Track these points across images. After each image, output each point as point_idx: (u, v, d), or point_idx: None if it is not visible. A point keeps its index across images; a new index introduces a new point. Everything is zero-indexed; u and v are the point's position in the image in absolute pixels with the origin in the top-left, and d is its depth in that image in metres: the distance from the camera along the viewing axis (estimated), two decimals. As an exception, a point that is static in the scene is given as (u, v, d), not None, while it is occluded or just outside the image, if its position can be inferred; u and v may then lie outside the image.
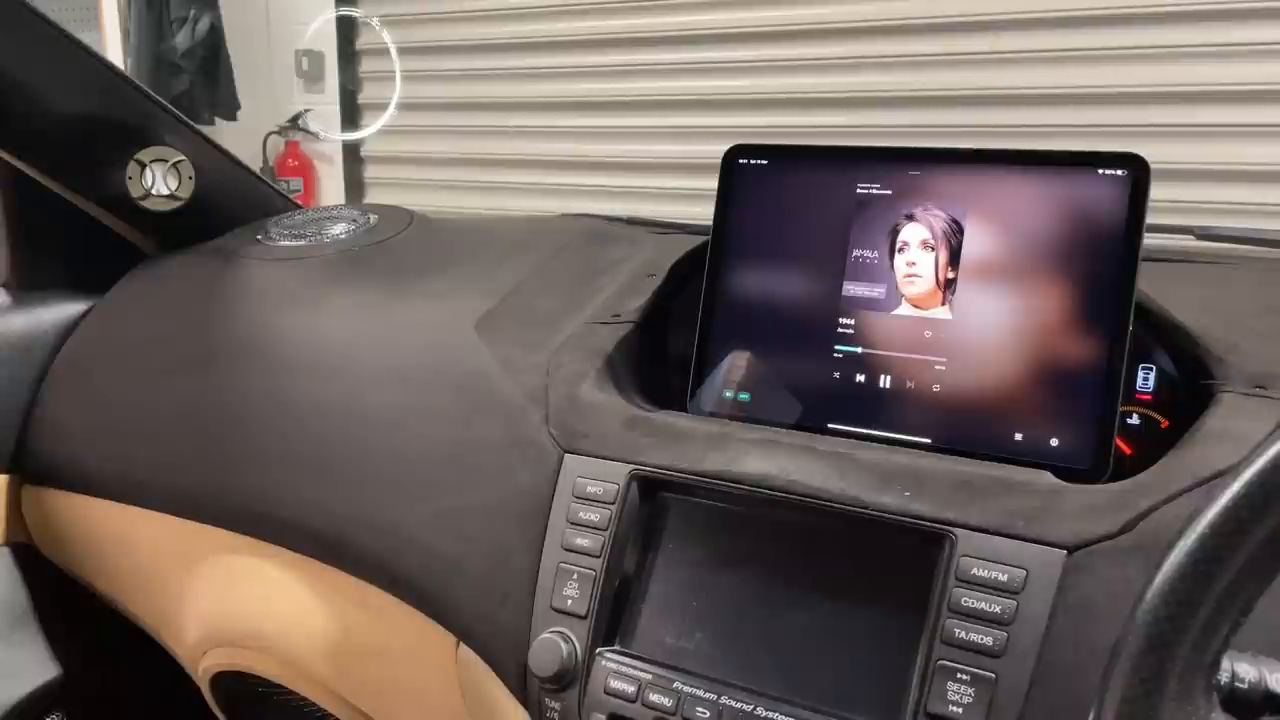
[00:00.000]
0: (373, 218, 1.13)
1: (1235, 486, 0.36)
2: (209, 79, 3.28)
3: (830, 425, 0.73)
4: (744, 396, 0.77)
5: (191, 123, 1.12)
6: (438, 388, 0.83)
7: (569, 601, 0.68)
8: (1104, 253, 0.67)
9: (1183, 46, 1.42)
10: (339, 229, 1.10)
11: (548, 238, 1.05)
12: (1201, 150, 1.36)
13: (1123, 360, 0.65)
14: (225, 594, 0.94)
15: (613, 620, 0.68)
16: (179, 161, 1.10)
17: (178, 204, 1.11)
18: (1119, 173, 0.66)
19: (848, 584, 0.63)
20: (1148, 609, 0.37)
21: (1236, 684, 0.42)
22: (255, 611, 0.93)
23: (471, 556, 0.74)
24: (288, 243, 1.08)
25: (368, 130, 2.95)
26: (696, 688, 0.63)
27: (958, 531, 0.60)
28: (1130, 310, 0.66)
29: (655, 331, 0.87)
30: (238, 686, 1.02)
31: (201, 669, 1.01)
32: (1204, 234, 1.02)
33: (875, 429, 0.72)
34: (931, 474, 0.63)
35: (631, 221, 1.13)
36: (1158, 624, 0.37)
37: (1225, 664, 0.42)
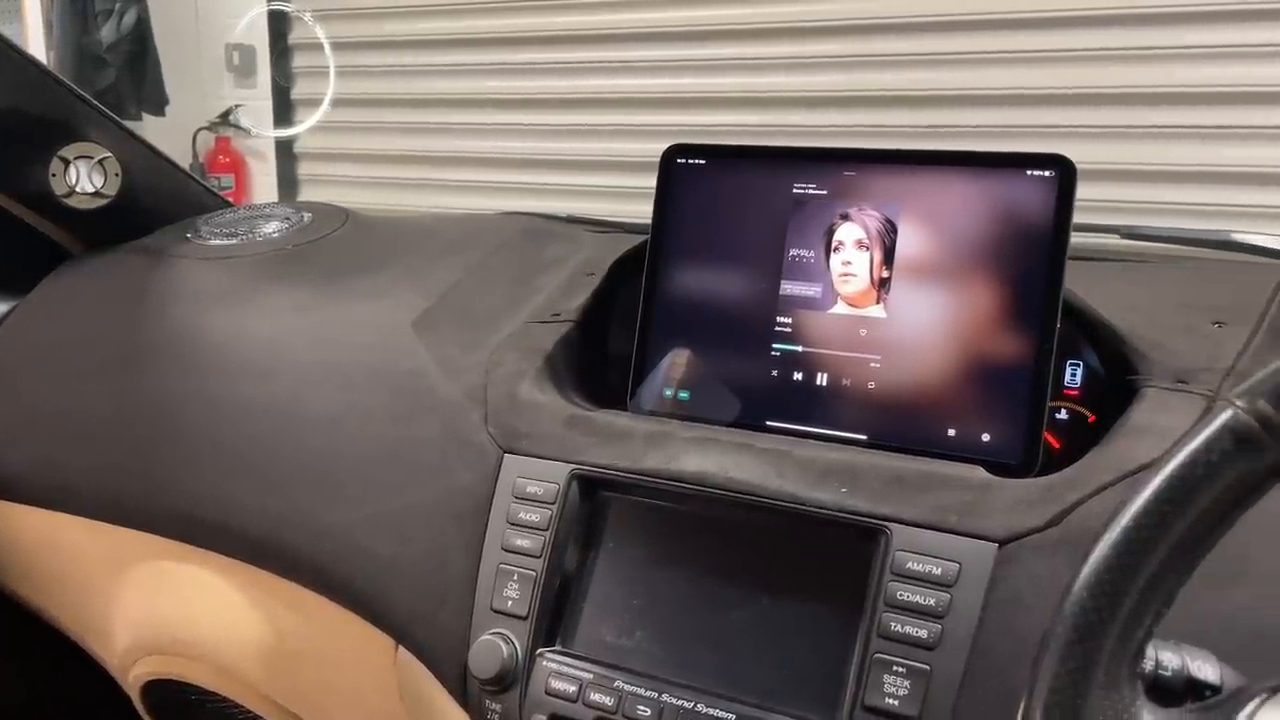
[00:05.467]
0: (307, 216, 1.11)
1: (1156, 481, 0.37)
2: (136, 73, 3.19)
3: (769, 423, 0.74)
4: (684, 395, 0.77)
5: (117, 118, 1.09)
6: (374, 387, 0.82)
7: (509, 602, 0.68)
8: (1032, 252, 0.68)
9: (1110, 50, 1.46)
10: (272, 227, 1.08)
11: (486, 236, 1.04)
12: (1128, 151, 1.40)
13: (1051, 357, 0.67)
14: (155, 600, 0.92)
15: (554, 620, 0.68)
16: (104, 158, 1.07)
17: (103, 202, 1.08)
18: (1046, 173, 0.68)
19: (786, 580, 0.64)
20: (1074, 600, 0.38)
21: (1160, 672, 0.43)
22: (186, 618, 0.91)
23: (410, 558, 0.74)
24: (219, 241, 1.06)
25: (299, 127, 2.90)
26: (638, 686, 0.63)
27: (892, 526, 0.61)
28: (1058, 308, 0.67)
29: (595, 330, 0.87)
30: (169, 695, 0.99)
31: (131, 677, 0.99)
32: (1129, 233, 1.05)
33: (813, 426, 0.73)
34: (867, 470, 0.64)
35: (571, 220, 1.13)
36: (1084, 615, 0.38)
37: (1150, 652, 0.43)
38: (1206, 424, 0.37)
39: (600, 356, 0.87)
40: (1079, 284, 0.76)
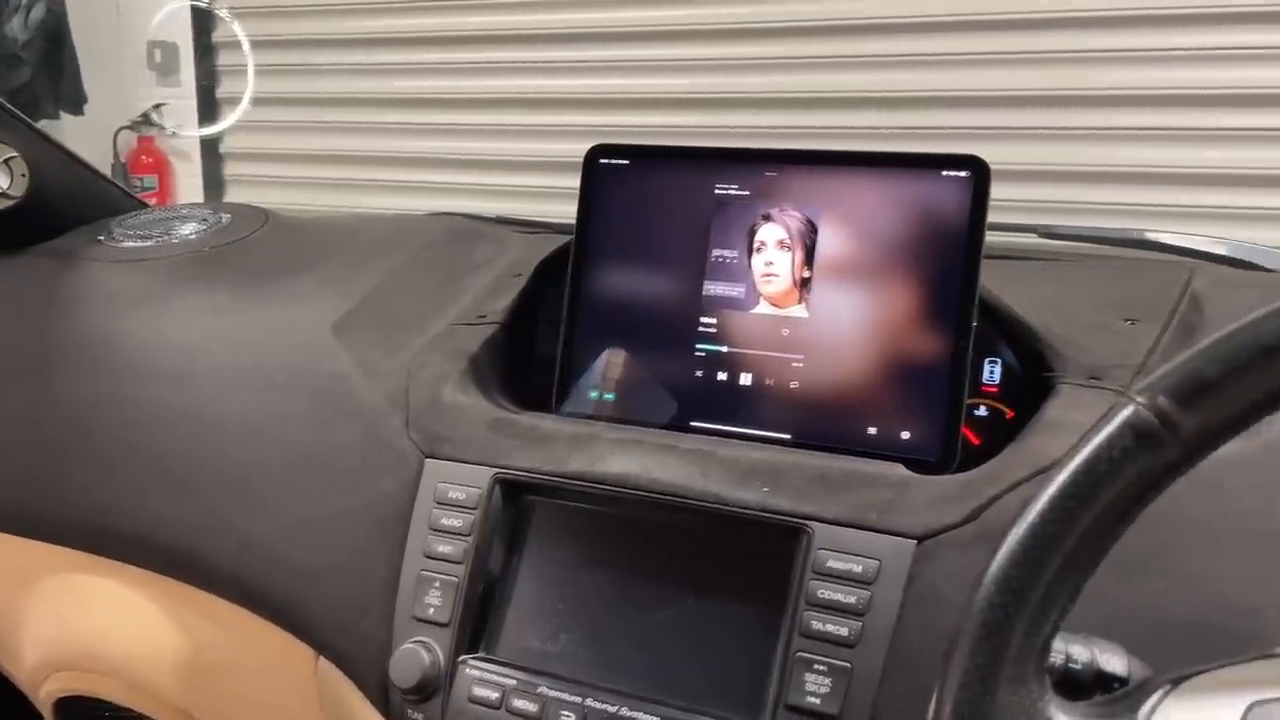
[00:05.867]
0: (225, 217, 1.08)
1: (1061, 478, 0.38)
2: (53, 71, 3.09)
3: (694, 424, 0.74)
4: (609, 397, 0.77)
5: (25, 117, 1.05)
6: (293, 392, 0.80)
7: (431, 610, 0.67)
8: (949, 251, 0.69)
9: (1029, 53, 1.49)
10: (189, 229, 1.06)
11: (412, 237, 1.03)
12: (1049, 153, 1.43)
13: (967, 355, 0.68)
14: (66, 615, 0.89)
15: (477, 627, 0.67)
16: (10, 158, 1.03)
17: (9, 203, 1.04)
18: (961, 174, 0.69)
19: (710, 580, 0.64)
20: (982, 597, 0.38)
21: (1070, 665, 0.44)
22: (99, 632, 0.88)
23: (330, 567, 0.72)
24: (133, 244, 1.03)
25: (216, 127, 2.83)
26: (561, 691, 0.63)
27: (814, 525, 0.61)
28: (974, 307, 0.68)
29: (522, 332, 0.86)
30: (83, 712, 0.96)
31: (43, 694, 0.95)
32: (1048, 233, 1.08)
33: (737, 426, 0.73)
34: (789, 469, 0.65)
35: (500, 221, 1.12)
36: (991, 611, 0.38)
37: (1059, 646, 0.44)
38: (1109, 421, 0.38)
39: (527, 358, 0.86)
40: (998, 283, 0.77)
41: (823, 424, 0.71)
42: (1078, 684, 0.43)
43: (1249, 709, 0.36)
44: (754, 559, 0.63)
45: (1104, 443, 0.37)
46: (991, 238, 1.08)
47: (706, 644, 0.62)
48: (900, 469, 0.65)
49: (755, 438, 0.72)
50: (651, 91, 2.01)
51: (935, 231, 0.69)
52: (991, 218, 1.10)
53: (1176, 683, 0.38)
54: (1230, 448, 0.60)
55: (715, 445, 0.68)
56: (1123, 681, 0.43)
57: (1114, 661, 0.44)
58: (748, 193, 0.74)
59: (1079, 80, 1.44)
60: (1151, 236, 1.03)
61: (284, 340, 0.85)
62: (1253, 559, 0.56)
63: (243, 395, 0.82)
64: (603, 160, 0.79)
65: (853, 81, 1.68)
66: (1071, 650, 0.44)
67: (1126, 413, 0.37)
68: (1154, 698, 0.38)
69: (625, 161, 0.78)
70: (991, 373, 0.77)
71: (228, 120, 2.55)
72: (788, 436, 0.71)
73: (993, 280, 0.77)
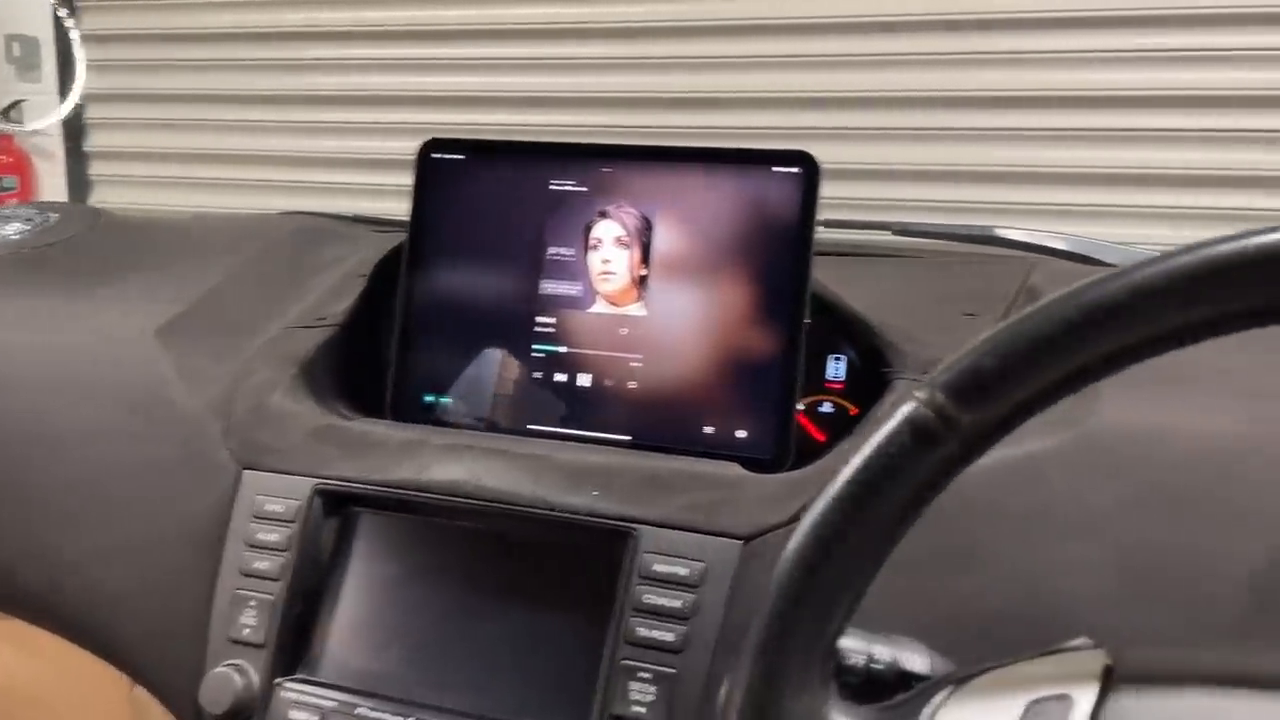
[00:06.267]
0: (53, 216, 1.02)
1: (840, 478, 0.37)
2: (-100, 64, 2.91)
3: (531, 427, 0.71)
4: (445, 401, 0.74)
5: None
6: (109, 402, 0.76)
7: (246, 630, 0.63)
8: (781, 248, 0.68)
9: (886, 56, 1.52)
10: (11, 229, 0.99)
11: (255, 237, 0.98)
12: (906, 153, 1.46)
13: (799, 352, 0.67)
14: None
15: (296, 647, 0.64)
16: None
17: None
18: (792, 170, 0.68)
19: (540, 589, 0.62)
20: (767, 602, 0.37)
21: (873, 666, 0.43)
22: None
23: (144, 589, 0.68)
24: (-52, 246, 0.96)
25: (41, 122, 2.70)
26: (384, 712, 0.60)
27: (641, 528, 0.59)
28: (805, 303, 0.67)
29: (364, 334, 0.83)
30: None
31: None
32: (902, 230, 1.09)
33: (576, 429, 0.71)
34: (622, 472, 0.63)
35: (357, 219, 1.08)
36: (774, 617, 0.37)
37: (861, 647, 0.43)
38: (889, 418, 0.37)
39: (368, 362, 0.83)
40: (851, 279, 0.77)
41: (661, 424, 0.69)
42: (881, 684, 0.43)
43: (1028, 708, 0.35)
44: (583, 565, 0.61)
45: (883, 441, 0.36)
46: (847, 235, 1.09)
47: (535, 655, 0.60)
48: (735, 468, 0.64)
49: (594, 440, 0.70)
50: (497, 91, 1.99)
51: (768, 228, 0.69)
52: (847, 215, 1.11)
53: (960, 683, 0.38)
54: (1047, 440, 0.61)
55: (550, 449, 0.66)
56: (925, 680, 0.42)
57: (916, 660, 0.43)
58: (584, 189, 0.72)
59: (936, 82, 1.47)
60: (999, 233, 1.05)
61: (103, 347, 0.80)
62: (1069, 550, 0.56)
63: (57, 406, 0.77)
64: (436, 155, 0.76)
65: (696, 83, 1.68)
66: (874, 651, 0.43)
67: (906, 410, 0.36)
68: (936, 699, 0.37)
69: (460, 157, 0.75)
70: (836, 369, 0.77)
71: (51, 116, 2.42)
72: (628, 438, 0.70)
73: (845, 277, 0.77)
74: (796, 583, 0.36)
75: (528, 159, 0.74)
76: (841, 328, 0.75)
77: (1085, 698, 0.34)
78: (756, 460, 0.66)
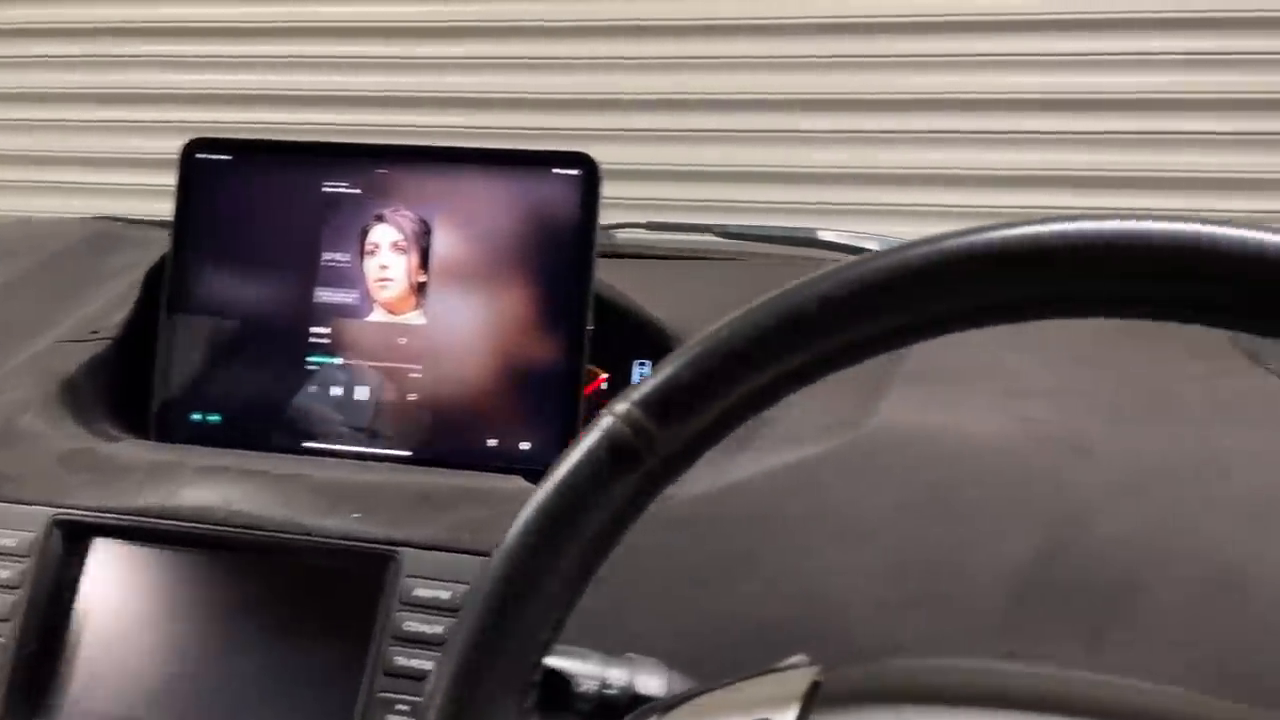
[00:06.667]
0: None
1: (534, 499, 0.35)
2: None
3: (307, 445, 0.67)
4: (214, 418, 0.69)
5: None
6: None
7: None
8: (563, 252, 0.66)
9: (708, 58, 1.53)
10: None
11: (38, 243, 0.91)
12: (728, 154, 1.46)
13: (583, 359, 0.65)
14: None
15: (33, 693, 0.58)
16: None
17: None
18: (572, 172, 0.66)
19: (298, 620, 0.58)
20: (454, 632, 0.34)
21: (605, 691, 0.41)
22: None
23: None
24: None
25: None
26: (124, 760, 0.55)
27: (403, 551, 0.56)
28: (588, 309, 0.65)
29: (141, 348, 0.77)
30: None
31: None
32: (724, 232, 1.08)
33: (354, 445, 0.67)
34: (389, 491, 0.59)
35: (164, 224, 1.01)
36: (465, 649, 0.34)
37: (595, 672, 0.41)
38: (587, 433, 0.34)
39: (144, 378, 0.77)
40: (670, 283, 0.75)
41: (442, 438, 0.66)
42: (615, 709, 0.40)
43: (732, 736, 0.33)
44: (340, 593, 0.57)
45: (582, 459, 0.34)
46: (669, 238, 1.08)
47: (291, 692, 0.56)
48: (518, 481, 0.61)
49: (372, 456, 0.66)
50: (277, 88, 1.91)
51: (549, 232, 0.66)
52: (669, 218, 1.10)
53: (666, 710, 0.36)
54: (824, 443, 0.61)
55: (315, 468, 0.62)
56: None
57: (652, 683, 0.41)
58: (358, 191, 0.68)
59: (760, 85, 1.49)
60: (822, 235, 1.05)
61: None
62: (845, 554, 0.56)
63: None
64: (201, 156, 0.71)
65: (486, 83, 1.66)
66: (608, 675, 0.41)
67: (604, 425, 0.34)
68: (639, 730, 0.35)
69: (226, 157, 0.71)
70: (640, 377, 0.75)
71: None
72: (408, 453, 0.66)
73: (663, 280, 0.75)
74: (493, 609, 0.34)
75: (299, 159, 0.70)
76: (638, 333, 0.73)
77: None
78: (541, 473, 0.63)
